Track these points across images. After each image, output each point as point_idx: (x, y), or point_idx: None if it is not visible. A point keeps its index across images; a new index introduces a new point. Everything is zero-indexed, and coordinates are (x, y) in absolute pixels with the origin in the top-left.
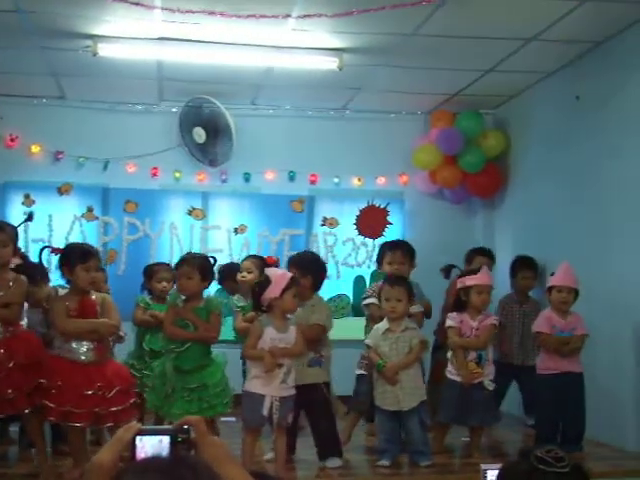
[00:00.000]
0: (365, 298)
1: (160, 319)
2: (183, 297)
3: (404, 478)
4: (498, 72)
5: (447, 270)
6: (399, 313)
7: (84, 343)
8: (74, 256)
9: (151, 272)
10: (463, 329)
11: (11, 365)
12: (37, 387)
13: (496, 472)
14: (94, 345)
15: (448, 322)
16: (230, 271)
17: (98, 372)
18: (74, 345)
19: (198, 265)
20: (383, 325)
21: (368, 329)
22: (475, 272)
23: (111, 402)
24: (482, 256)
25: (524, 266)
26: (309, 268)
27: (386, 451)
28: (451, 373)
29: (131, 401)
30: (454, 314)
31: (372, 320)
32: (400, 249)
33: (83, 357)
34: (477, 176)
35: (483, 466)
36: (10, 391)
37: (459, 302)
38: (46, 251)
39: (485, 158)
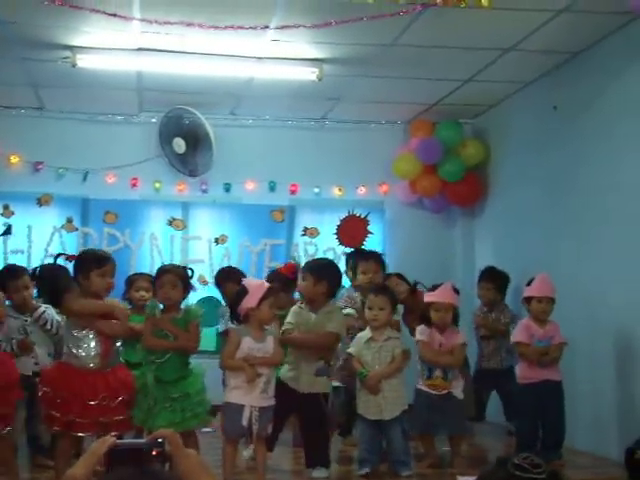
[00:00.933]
0: (344, 308)
1: (136, 331)
2: (161, 308)
3: None
4: (477, 82)
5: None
6: (381, 322)
7: (91, 347)
8: (89, 261)
9: (130, 281)
10: (432, 343)
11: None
12: (42, 396)
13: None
14: (100, 350)
15: (418, 336)
16: (229, 274)
17: (103, 380)
18: (81, 351)
19: (181, 275)
20: (365, 334)
21: (344, 340)
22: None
23: (115, 411)
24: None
25: (484, 278)
26: (324, 274)
27: (366, 460)
28: (419, 384)
29: (129, 411)
30: (422, 327)
31: (349, 331)
32: (373, 258)
33: (91, 364)
34: (457, 185)
35: (460, 478)
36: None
37: (425, 317)
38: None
39: (465, 167)
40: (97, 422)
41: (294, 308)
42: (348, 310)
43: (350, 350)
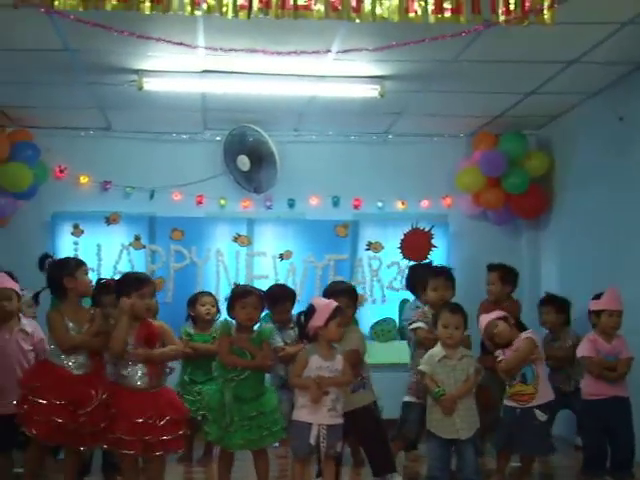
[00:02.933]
0: (411, 323)
1: (202, 351)
2: (234, 326)
3: None
4: (540, 94)
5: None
6: (456, 340)
7: (137, 368)
8: (129, 284)
9: (194, 299)
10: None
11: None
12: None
13: None
14: (148, 370)
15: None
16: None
17: (151, 400)
18: (129, 371)
19: (261, 297)
20: (438, 352)
21: (415, 354)
22: None
23: (162, 431)
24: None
25: (544, 303)
26: (353, 298)
27: (436, 478)
28: (505, 399)
29: (180, 432)
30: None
31: (421, 345)
32: (443, 275)
33: (139, 383)
34: (521, 197)
35: None
36: (103, 424)
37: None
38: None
39: (529, 179)
40: (142, 440)
41: None
42: (419, 324)
43: (423, 368)
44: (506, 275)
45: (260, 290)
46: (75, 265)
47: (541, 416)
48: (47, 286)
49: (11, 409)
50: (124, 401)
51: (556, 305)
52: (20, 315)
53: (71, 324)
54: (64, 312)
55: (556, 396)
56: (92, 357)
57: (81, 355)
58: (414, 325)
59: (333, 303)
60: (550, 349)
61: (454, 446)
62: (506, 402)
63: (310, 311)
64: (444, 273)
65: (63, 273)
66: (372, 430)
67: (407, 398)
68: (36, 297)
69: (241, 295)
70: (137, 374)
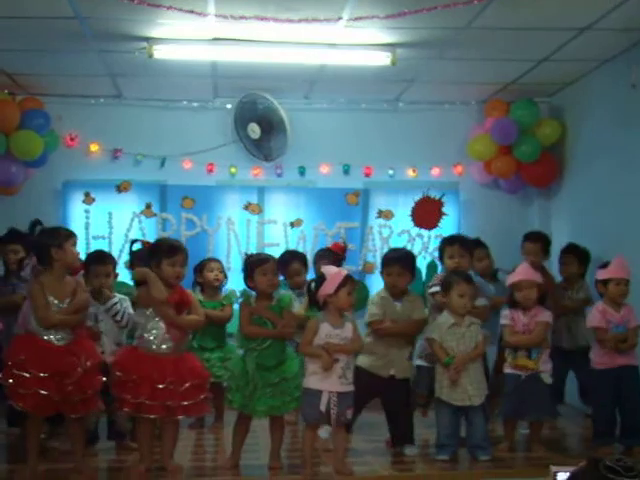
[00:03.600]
0: (430, 287)
1: (211, 318)
2: (254, 295)
3: (464, 473)
4: (552, 61)
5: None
6: (469, 309)
7: (162, 332)
8: (161, 250)
9: (202, 266)
10: (516, 326)
11: (88, 365)
12: (114, 380)
13: (566, 475)
14: (172, 335)
15: (501, 320)
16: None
17: (172, 366)
18: (152, 337)
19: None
20: (446, 319)
21: (431, 319)
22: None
23: (183, 396)
24: (530, 242)
25: (566, 252)
26: (411, 266)
27: (446, 446)
28: (507, 367)
29: (202, 396)
30: (506, 312)
31: (435, 309)
32: (458, 242)
33: (163, 346)
34: (532, 165)
35: (553, 468)
36: (90, 392)
37: (511, 299)
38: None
39: (540, 147)
40: (165, 405)
41: (375, 299)
42: (437, 288)
43: (433, 335)
44: (546, 246)
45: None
46: (64, 236)
47: (546, 379)
48: (34, 254)
49: None
50: (146, 367)
51: (579, 255)
52: None
53: (52, 298)
54: (46, 284)
55: (559, 356)
56: (74, 329)
57: (63, 329)
58: (433, 289)
59: (343, 271)
60: (560, 297)
61: (463, 413)
62: (508, 370)
63: (320, 279)
64: (458, 240)
65: (51, 243)
66: (405, 402)
67: (419, 362)
68: (20, 264)
69: (260, 262)
70: (162, 338)
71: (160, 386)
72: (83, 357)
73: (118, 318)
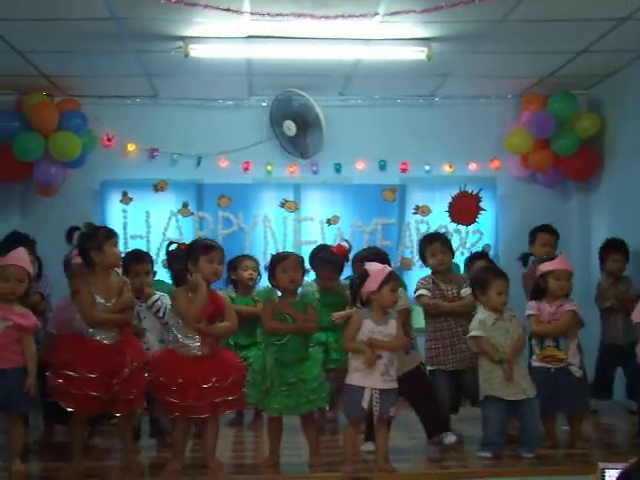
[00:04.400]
0: (416, 290)
1: (244, 314)
2: (279, 293)
3: (508, 470)
4: (591, 53)
5: (524, 258)
6: (505, 304)
7: (196, 337)
8: (198, 249)
9: (235, 263)
10: (542, 316)
11: (135, 364)
12: (154, 383)
13: (615, 473)
14: (206, 341)
15: (527, 311)
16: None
17: (213, 365)
18: (187, 339)
19: (302, 260)
20: (487, 316)
21: (426, 321)
22: (553, 258)
23: (228, 391)
24: (545, 233)
25: (613, 249)
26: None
27: (493, 443)
28: (535, 360)
29: (243, 390)
30: (532, 302)
31: (426, 312)
32: (438, 240)
33: (196, 351)
34: (571, 159)
35: (601, 465)
36: (135, 391)
37: (537, 290)
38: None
39: (579, 140)
40: (212, 403)
41: None
42: (422, 291)
43: (478, 333)
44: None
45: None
46: (103, 237)
47: (576, 372)
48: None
49: None
50: (189, 370)
51: (625, 252)
52: None
53: (98, 297)
54: (93, 283)
55: (612, 350)
56: (121, 328)
57: (109, 328)
58: (418, 292)
59: (387, 268)
60: (612, 289)
61: (513, 409)
62: (536, 363)
63: (363, 275)
64: (438, 238)
65: (91, 247)
66: (424, 391)
67: (431, 367)
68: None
69: (280, 259)
70: (196, 344)
71: (205, 386)
72: (129, 356)
73: (160, 315)
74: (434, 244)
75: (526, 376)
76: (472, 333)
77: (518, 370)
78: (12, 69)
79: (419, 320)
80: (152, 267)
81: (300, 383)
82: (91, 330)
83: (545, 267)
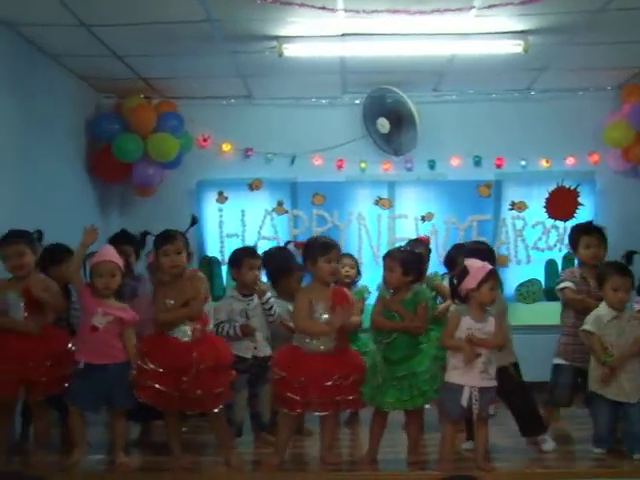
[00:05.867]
0: (559, 282)
1: None
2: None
3: (612, 471)
4: None
5: (628, 256)
6: (625, 303)
7: (325, 337)
8: (316, 248)
9: None
10: None
11: (201, 367)
12: (277, 381)
13: None
14: (333, 336)
15: (635, 306)
16: None
17: (337, 362)
18: (313, 339)
19: (400, 259)
20: (606, 313)
21: (564, 315)
22: None
23: (347, 390)
24: (587, 235)
25: None
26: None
27: (604, 441)
28: None
29: (360, 389)
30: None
31: (568, 305)
32: (596, 232)
33: (321, 347)
34: None
35: None
36: (199, 392)
37: None
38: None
39: None
40: (333, 401)
41: None
42: (566, 283)
43: (590, 328)
44: None
45: (405, 252)
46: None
47: None
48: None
49: None
50: (313, 367)
51: None
52: None
53: (168, 299)
54: (166, 285)
55: None
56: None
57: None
58: (561, 285)
59: (487, 266)
60: None
61: (621, 407)
62: None
63: (463, 272)
64: (596, 231)
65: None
66: (512, 390)
67: (557, 360)
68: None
69: (324, 250)
70: (324, 339)
71: (328, 384)
72: (202, 356)
73: (272, 312)
74: (592, 236)
75: (635, 380)
76: (585, 327)
77: (625, 372)
78: (112, 73)
79: (522, 317)
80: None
81: (410, 376)
82: (169, 328)
83: None
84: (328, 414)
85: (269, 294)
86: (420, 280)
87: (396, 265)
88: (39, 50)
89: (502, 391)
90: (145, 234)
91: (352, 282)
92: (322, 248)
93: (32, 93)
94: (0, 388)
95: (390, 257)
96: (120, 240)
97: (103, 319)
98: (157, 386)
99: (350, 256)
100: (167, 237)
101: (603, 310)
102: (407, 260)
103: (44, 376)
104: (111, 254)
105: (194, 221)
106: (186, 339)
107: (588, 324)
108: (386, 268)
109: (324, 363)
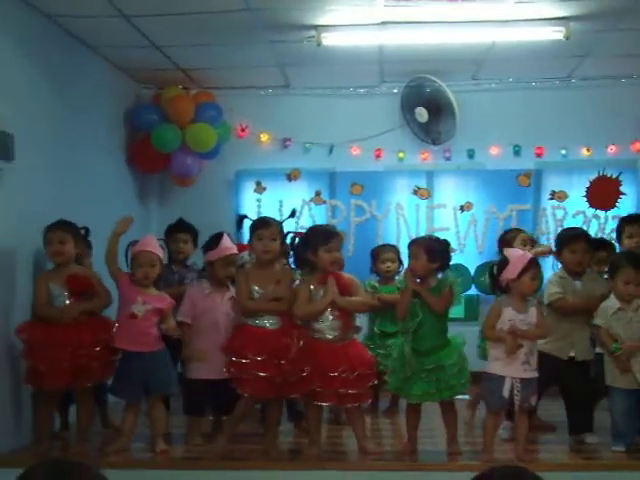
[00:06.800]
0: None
1: (388, 302)
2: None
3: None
4: None
5: None
6: (634, 296)
7: (328, 321)
8: (316, 238)
9: (376, 254)
10: None
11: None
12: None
13: None
14: (340, 323)
15: None
16: None
17: (343, 353)
18: (320, 323)
19: (425, 246)
20: (613, 303)
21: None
22: None
23: (352, 384)
24: (629, 225)
25: None
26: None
27: (623, 436)
28: None
29: (369, 384)
30: None
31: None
32: (638, 222)
33: (329, 336)
34: None
35: None
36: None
37: None
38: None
39: None
40: (337, 393)
41: (554, 279)
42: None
43: (598, 322)
44: None
45: (430, 239)
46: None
47: None
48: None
49: (213, 374)
50: (319, 356)
51: None
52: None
53: (255, 286)
54: (251, 274)
55: None
56: (280, 315)
57: (270, 316)
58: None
59: (528, 255)
60: None
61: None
62: None
63: (503, 262)
64: (639, 220)
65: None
66: (585, 387)
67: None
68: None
69: (408, 246)
70: (328, 326)
71: (333, 374)
72: (295, 337)
73: None
74: (634, 225)
75: None
76: (594, 321)
77: (637, 363)
78: (151, 64)
79: None
80: None
81: (439, 370)
82: (254, 317)
83: None
84: (350, 408)
85: None
86: (446, 268)
87: (421, 252)
88: (79, 41)
89: (573, 383)
90: (242, 217)
91: (394, 275)
92: (322, 238)
93: (72, 84)
94: (55, 378)
95: (415, 244)
96: (177, 229)
97: (142, 307)
98: (261, 374)
99: (393, 249)
100: (263, 222)
101: (611, 301)
102: (432, 247)
103: (96, 361)
104: (152, 244)
105: (293, 214)
106: (274, 327)
107: (596, 318)
108: (411, 256)
109: (332, 353)
